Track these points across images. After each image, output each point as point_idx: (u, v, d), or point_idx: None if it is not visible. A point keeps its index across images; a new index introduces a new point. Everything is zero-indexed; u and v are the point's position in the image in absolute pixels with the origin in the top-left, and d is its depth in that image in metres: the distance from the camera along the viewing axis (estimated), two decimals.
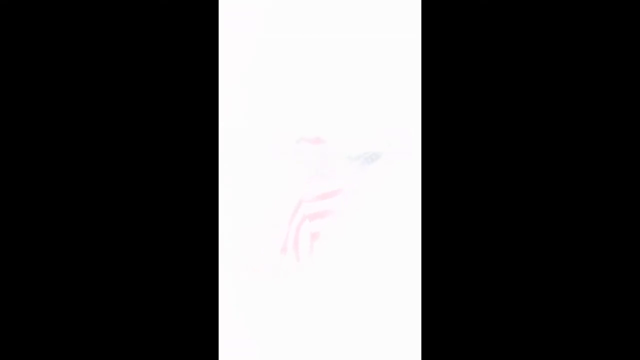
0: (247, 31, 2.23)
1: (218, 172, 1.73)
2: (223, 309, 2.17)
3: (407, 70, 2.19)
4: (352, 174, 2.17)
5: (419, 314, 1.64)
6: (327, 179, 2.13)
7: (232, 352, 2.16)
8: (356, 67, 2.23)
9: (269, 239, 2.16)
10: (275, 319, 2.21)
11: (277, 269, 2.17)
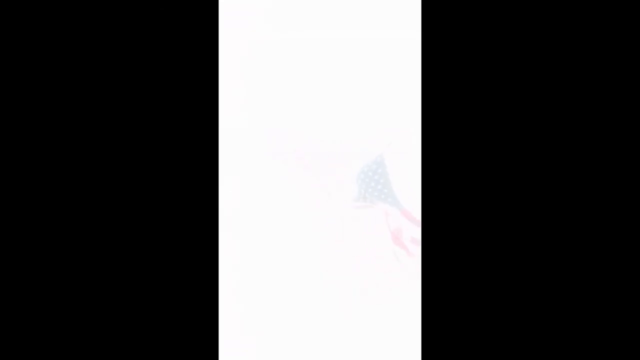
0: (247, 31, 2.23)
1: (218, 172, 1.73)
2: (223, 308, 2.18)
3: (407, 70, 2.19)
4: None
5: (419, 317, 1.65)
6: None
7: (232, 352, 2.17)
8: (356, 66, 2.24)
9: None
10: (274, 318, 2.21)
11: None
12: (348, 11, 2.24)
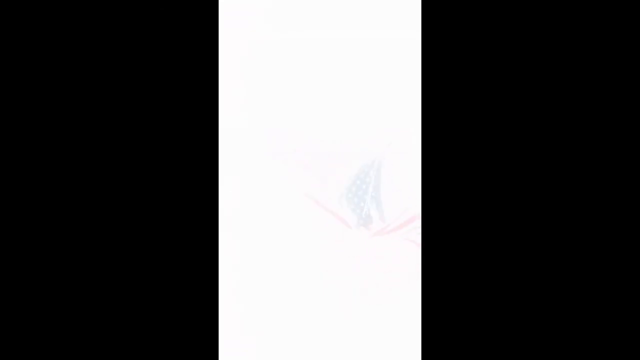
0: (247, 31, 2.23)
1: (218, 172, 1.73)
2: (223, 308, 2.17)
3: (407, 70, 2.19)
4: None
5: (419, 317, 1.64)
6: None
7: (232, 352, 2.16)
8: (356, 66, 2.23)
9: None
10: (274, 318, 2.21)
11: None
12: (348, 11, 2.24)
